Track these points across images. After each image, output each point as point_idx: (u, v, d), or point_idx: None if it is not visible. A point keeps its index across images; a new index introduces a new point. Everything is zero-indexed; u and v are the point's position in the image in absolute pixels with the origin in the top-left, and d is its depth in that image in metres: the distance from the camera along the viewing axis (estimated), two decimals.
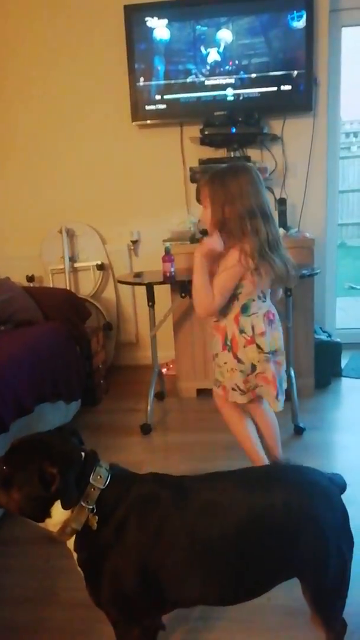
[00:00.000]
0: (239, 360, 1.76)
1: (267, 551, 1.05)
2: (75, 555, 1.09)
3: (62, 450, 1.07)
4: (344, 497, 1.13)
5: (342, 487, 1.17)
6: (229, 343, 1.77)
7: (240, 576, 1.07)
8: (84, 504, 1.04)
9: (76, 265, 3.31)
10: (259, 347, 1.74)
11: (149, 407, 2.51)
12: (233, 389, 1.81)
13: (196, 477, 1.17)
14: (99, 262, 3.27)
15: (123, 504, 1.07)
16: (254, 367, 1.76)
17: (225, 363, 1.80)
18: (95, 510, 1.05)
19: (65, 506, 1.03)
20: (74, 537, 1.07)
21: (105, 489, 1.06)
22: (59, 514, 1.05)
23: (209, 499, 1.09)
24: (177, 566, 1.06)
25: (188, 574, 1.06)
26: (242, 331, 1.74)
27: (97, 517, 1.05)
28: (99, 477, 1.07)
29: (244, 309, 1.74)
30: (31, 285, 3.25)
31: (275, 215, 2.93)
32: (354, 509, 1.85)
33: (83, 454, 1.10)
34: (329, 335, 3.08)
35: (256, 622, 1.21)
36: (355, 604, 1.37)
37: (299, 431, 2.38)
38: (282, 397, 1.83)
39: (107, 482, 1.07)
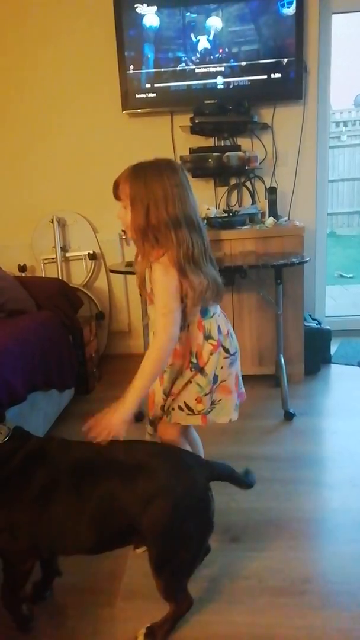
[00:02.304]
0: (202, 372, 1.46)
1: (124, 507, 1.18)
2: None
3: None
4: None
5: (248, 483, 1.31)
6: (194, 360, 1.46)
7: (100, 528, 1.20)
8: None
9: (68, 254, 3.31)
10: (225, 350, 1.49)
11: None
12: (180, 408, 1.49)
13: (94, 443, 1.28)
14: (91, 252, 3.28)
15: (13, 458, 1.21)
16: (216, 377, 1.48)
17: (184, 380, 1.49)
18: None
19: None
20: None
21: (1, 444, 1.21)
22: None
23: (87, 457, 1.24)
24: (50, 518, 1.18)
25: (60, 525, 1.19)
26: (208, 337, 1.46)
27: None
28: None
29: (204, 312, 1.47)
30: (23, 275, 3.26)
31: (265, 204, 2.96)
32: (345, 491, 1.89)
33: None
34: (319, 323, 3.12)
35: (246, 603, 1.22)
36: (346, 583, 1.42)
37: (289, 417, 2.44)
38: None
39: (6, 439, 1.22)
